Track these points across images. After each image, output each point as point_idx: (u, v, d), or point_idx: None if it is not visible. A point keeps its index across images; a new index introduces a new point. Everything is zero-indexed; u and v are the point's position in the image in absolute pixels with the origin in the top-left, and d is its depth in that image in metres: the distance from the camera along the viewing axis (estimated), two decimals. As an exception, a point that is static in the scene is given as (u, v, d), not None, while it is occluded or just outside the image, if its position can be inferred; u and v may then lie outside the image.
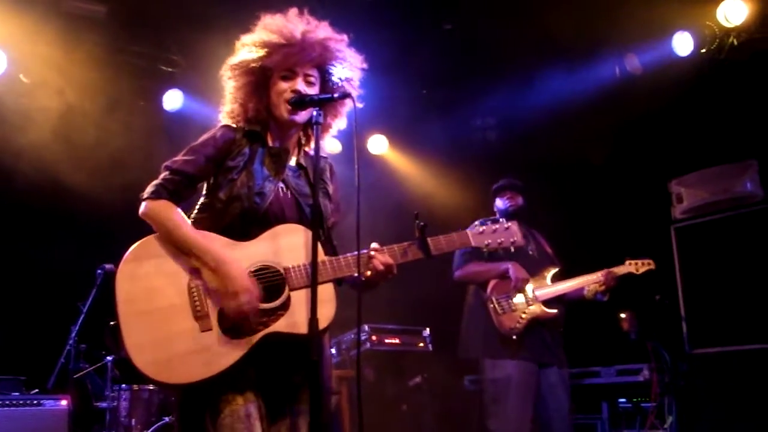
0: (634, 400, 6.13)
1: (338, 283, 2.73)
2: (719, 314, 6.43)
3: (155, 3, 6.11)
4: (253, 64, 2.79)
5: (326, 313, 2.57)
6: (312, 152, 2.86)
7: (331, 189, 2.93)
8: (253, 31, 2.84)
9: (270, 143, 2.85)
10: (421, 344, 7.02)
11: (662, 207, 6.95)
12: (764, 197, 6.42)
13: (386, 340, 6.81)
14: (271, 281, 2.61)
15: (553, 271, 4.91)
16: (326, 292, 2.62)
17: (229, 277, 2.53)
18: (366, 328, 6.37)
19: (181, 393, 2.65)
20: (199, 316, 2.54)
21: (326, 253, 2.76)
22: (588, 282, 4.87)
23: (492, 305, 4.75)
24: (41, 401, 5.13)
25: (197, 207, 2.80)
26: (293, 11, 2.84)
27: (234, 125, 2.83)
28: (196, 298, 2.55)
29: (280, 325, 2.56)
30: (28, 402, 5.08)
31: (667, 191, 6.99)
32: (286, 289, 2.60)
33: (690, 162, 6.79)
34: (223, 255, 2.57)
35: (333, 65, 2.86)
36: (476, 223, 2.93)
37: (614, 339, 6.13)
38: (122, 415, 5.71)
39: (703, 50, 6.30)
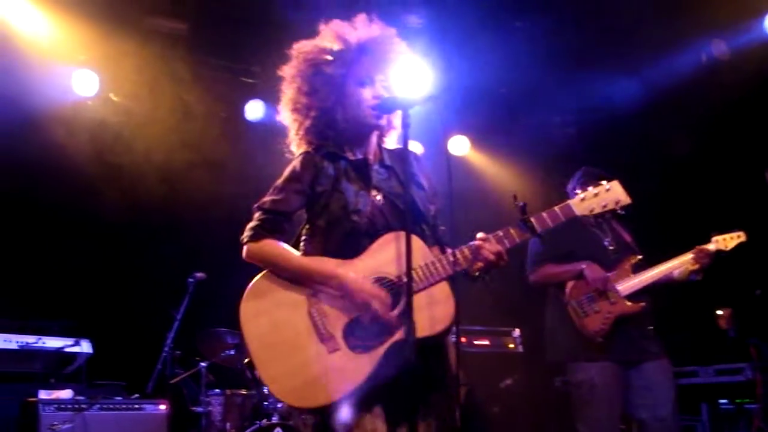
0: (737, 401, 5.86)
1: (452, 279, 2.69)
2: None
3: (233, 16, 6.28)
4: (334, 74, 2.77)
5: (445, 311, 2.60)
6: (391, 147, 2.90)
7: (423, 181, 2.90)
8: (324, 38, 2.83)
9: (349, 156, 2.84)
10: (511, 345, 6.93)
11: (760, 198, 6.63)
12: None
13: (475, 342, 6.75)
14: (390, 291, 2.62)
15: (634, 261, 4.53)
16: (441, 291, 2.63)
17: (356, 291, 2.57)
18: (454, 330, 6.32)
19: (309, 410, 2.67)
20: (325, 338, 2.59)
21: (433, 250, 2.74)
22: (675, 266, 4.50)
23: (572, 308, 4.50)
24: (142, 405, 5.32)
25: (303, 237, 2.83)
26: (361, 17, 2.84)
27: (310, 150, 2.82)
28: (319, 322, 2.61)
29: (403, 333, 2.55)
30: (130, 406, 5.27)
31: (765, 181, 6.67)
32: (403, 296, 2.58)
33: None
34: (343, 273, 2.61)
35: (398, 68, 2.86)
36: (576, 190, 2.79)
37: (712, 337, 5.88)
38: (217, 419, 5.86)
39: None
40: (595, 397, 4.38)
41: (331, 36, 2.81)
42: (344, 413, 2.55)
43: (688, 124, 6.61)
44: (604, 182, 2.81)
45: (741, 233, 4.53)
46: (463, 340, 6.63)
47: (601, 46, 6.53)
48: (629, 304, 4.42)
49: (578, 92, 7.13)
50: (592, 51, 6.61)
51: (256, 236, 2.72)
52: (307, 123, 2.83)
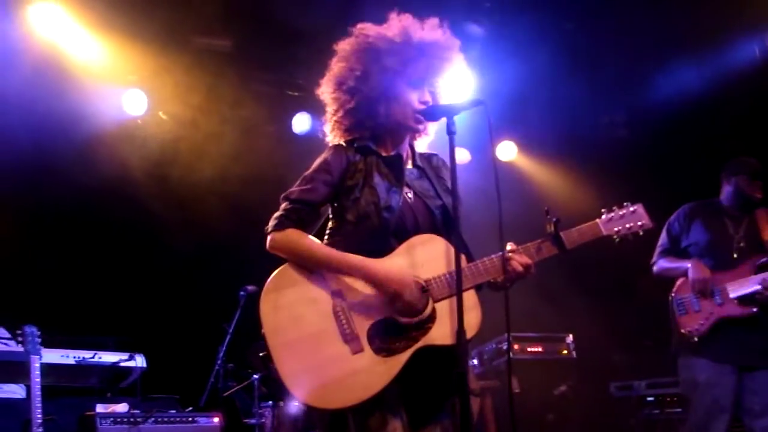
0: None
1: (478, 288, 2.66)
2: None
3: (277, 31, 6.33)
4: (391, 68, 2.71)
5: (473, 320, 2.52)
6: (422, 150, 2.89)
7: (450, 184, 2.83)
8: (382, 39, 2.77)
9: (382, 152, 2.80)
10: (565, 351, 6.82)
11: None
12: None
13: (529, 349, 6.67)
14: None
15: (760, 261, 4.25)
16: (470, 299, 2.57)
17: (387, 280, 2.51)
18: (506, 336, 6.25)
19: (330, 413, 2.62)
20: (349, 338, 2.51)
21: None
22: None
23: (674, 304, 4.39)
24: (195, 418, 5.37)
25: (327, 232, 2.77)
26: (433, 21, 2.78)
27: (343, 143, 2.78)
28: (344, 321, 2.52)
29: (430, 338, 2.51)
30: (184, 419, 5.33)
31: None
32: (430, 301, 2.55)
33: None
34: (370, 262, 2.54)
35: (449, 74, 2.83)
36: (603, 210, 2.80)
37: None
38: (269, 431, 5.88)
39: None
40: (698, 396, 4.26)
41: (396, 28, 2.75)
42: (364, 415, 2.49)
43: (741, 121, 6.44)
44: (628, 203, 2.84)
45: None
46: (516, 347, 6.55)
47: (650, 44, 6.40)
48: (738, 306, 4.22)
49: (628, 92, 7.00)
50: (642, 49, 6.49)
51: (280, 225, 2.66)
52: (349, 106, 2.76)
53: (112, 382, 5.81)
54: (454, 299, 2.42)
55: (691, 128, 6.78)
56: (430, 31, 2.76)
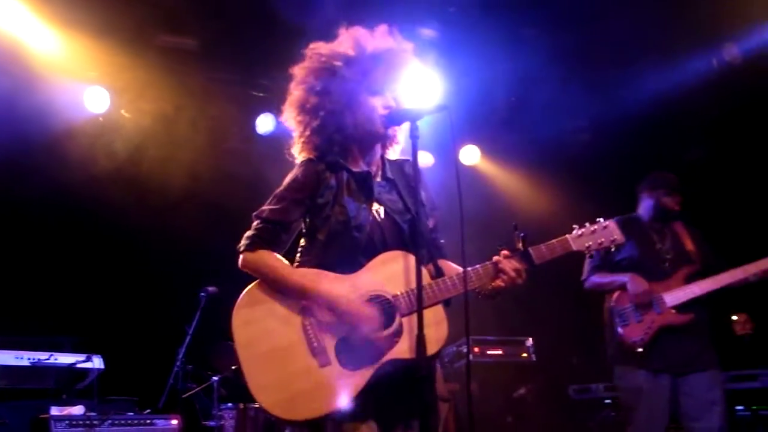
0: (753, 407, 5.80)
1: (446, 303, 2.69)
2: None
3: (242, 31, 6.30)
4: (349, 78, 2.75)
5: (438, 334, 2.58)
6: (393, 158, 2.90)
7: (423, 194, 2.85)
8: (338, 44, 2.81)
9: (353, 167, 2.81)
10: (525, 354, 6.90)
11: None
12: None
13: (488, 352, 6.73)
14: (384, 309, 2.61)
15: (689, 271, 4.51)
16: (435, 314, 2.62)
17: (345, 313, 2.56)
18: (462, 342, 6.29)
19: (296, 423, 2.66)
20: (317, 352, 2.56)
21: (431, 271, 2.74)
22: (737, 275, 4.40)
23: (615, 316, 4.53)
24: (154, 420, 5.31)
25: (299, 250, 2.81)
26: (382, 28, 2.82)
27: (313, 158, 2.79)
28: (312, 335, 2.58)
29: (395, 352, 2.56)
30: (142, 421, 5.27)
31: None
32: (397, 316, 2.59)
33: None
34: (335, 291, 2.59)
35: (409, 79, 2.85)
36: (574, 226, 2.84)
37: (728, 343, 5.79)
38: (230, 433, 5.84)
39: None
40: (641, 405, 4.40)
41: (349, 41, 2.79)
42: (335, 427, 2.54)
43: (702, 130, 6.58)
44: (601, 219, 2.86)
45: None
46: (476, 350, 6.59)
47: (612, 51, 6.50)
48: (676, 315, 4.42)
49: (591, 98, 7.10)
50: (605, 57, 6.59)
51: (252, 246, 2.70)
52: (315, 124, 2.79)
53: (68, 384, 5.71)
54: (425, 313, 2.48)
55: (653, 135, 6.90)
56: (382, 38, 2.80)
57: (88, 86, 6.44)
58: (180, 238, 6.73)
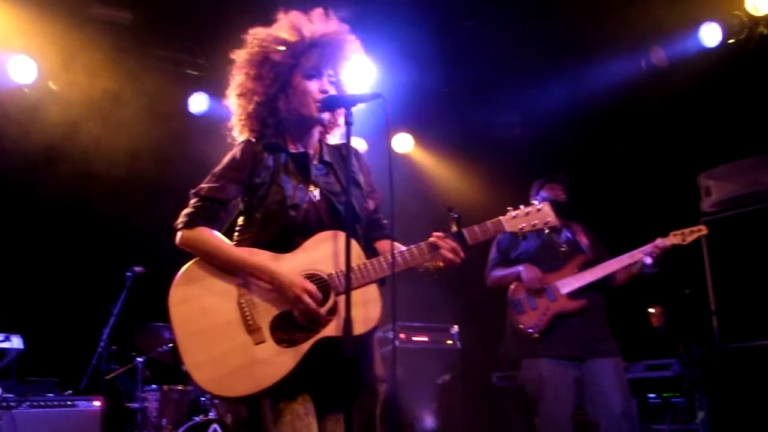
0: (664, 395, 6.08)
1: (381, 282, 2.73)
2: (750, 308, 6.34)
3: (180, 8, 6.18)
4: (282, 63, 2.77)
5: (372, 313, 2.63)
6: (332, 143, 2.93)
7: (361, 177, 2.92)
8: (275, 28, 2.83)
9: (290, 148, 2.85)
10: (450, 342, 7.02)
11: (691, 200, 6.88)
12: (794, 190, 6.33)
13: (414, 338, 6.82)
14: (320, 288, 2.63)
15: (582, 260, 4.73)
16: (370, 293, 2.66)
17: (287, 285, 2.58)
18: (389, 327, 6.36)
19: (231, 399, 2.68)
20: (252, 329, 2.59)
21: (366, 250, 2.77)
22: (623, 261, 4.64)
23: (512, 306, 4.71)
24: (75, 402, 5.22)
25: (237, 228, 2.82)
26: (318, 11, 2.84)
27: (252, 139, 2.82)
28: (248, 313, 2.61)
29: (329, 330, 2.60)
30: (63, 403, 5.18)
31: (696, 184, 6.92)
32: (332, 294, 2.63)
33: (719, 155, 6.71)
34: (274, 266, 2.62)
35: (348, 65, 2.88)
36: (509, 208, 2.92)
37: (643, 334, 6.07)
38: (153, 416, 5.78)
39: (731, 41, 6.21)
40: (545, 393, 4.54)
41: (286, 26, 2.80)
42: (272, 403, 2.57)
43: (629, 128, 6.81)
44: (536, 202, 2.92)
45: (702, 227, 4.69)
46: (402, 336, 6.68)
47: (545, 49, 6.64)
48: (569, 301, 4.60)
49: (523, 93, 7.24)
50: (537, 53, 6.72)
51: (190, 223, 2.71)
52: (250, 108, 2.82)
53: (-15, 365, 5.56)
54: (358, 292, 2.56)
55: (582, 131, 7.11)
56: (319, 22, 2.81)
57: (12, 55, 6.21)
58: (107, 217, 6.59)
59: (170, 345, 5.76)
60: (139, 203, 6.51)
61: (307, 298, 2.56)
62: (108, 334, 5.65)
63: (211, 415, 5.46)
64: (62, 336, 6.20)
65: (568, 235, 4.90)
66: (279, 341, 2.58)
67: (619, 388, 4.50)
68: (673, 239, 4.65)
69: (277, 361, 2.55)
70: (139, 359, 5.79)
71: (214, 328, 2.60)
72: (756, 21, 6.05)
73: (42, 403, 5.07)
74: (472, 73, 7.18)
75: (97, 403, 5.26)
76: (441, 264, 2.74)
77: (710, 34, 6.21)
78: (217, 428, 5.32)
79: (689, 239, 4.65)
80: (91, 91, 6.38)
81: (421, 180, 8.04)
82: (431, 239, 2.73)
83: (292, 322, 2.61)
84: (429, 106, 7.50)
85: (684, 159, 6.81)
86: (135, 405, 5.73)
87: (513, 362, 4.92)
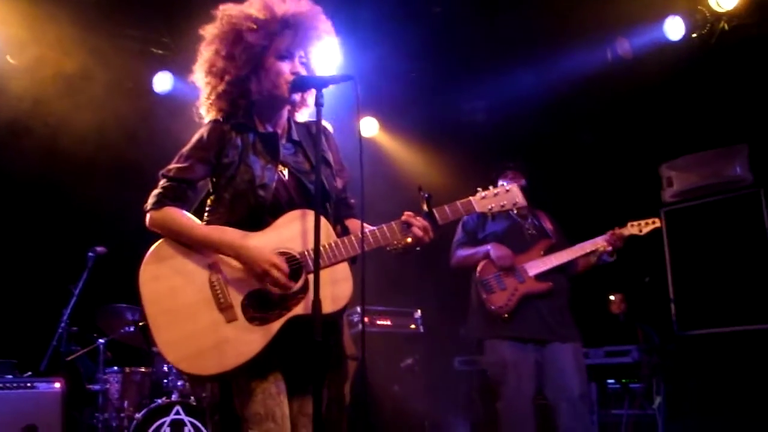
0: (623, 381, 6.20)
1: (352, 261, 2.74)
2: (708, 296, 6.51)
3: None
4: (256, 44, 2.74)
5: (343, 291, 2.65)
6: (302, 121, 2.93)
7: (330, 156, 2.92)
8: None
9: (259, 128, 2.84)
10: (413, 326, 7.07)
11: (652, 190, 7.00)
12: (753, 181, 6.49)
13: (378, 322, 6.85)
14: (291, 266, 2.63)
15: (547, 244, 4.81)
16: (341, 271, 2.67)
17: (254, 260, 2.58)
18: (357, 309, 6.39)
19: (203, 378, 2.68)
20: (223, 308, 2.60)
21: (336, 228, 2.79)
22: (586, 248, 4.76)
23: (481, 286, 4.72)
24: (35, 384, 5.14)
25: (207, 208, 2.81)
26: None
27: (220, 118, 2.80)
28: (219, 291, 2.61)
29: (300, 308, 2.60)
30: (22, 385, 5.09)
31: (658, 175, 7.04)
32: (303, 272, 2.63)
33: (680, 146, 6.84)
34: (242, 242, 2.62)
35: (318, 46, 2.86)
36: (478, 189, 2.95)
37: (603, 320, 6.18)
38: (114, 398, 5.74)
39: (695, 35, 6.32)
40: (508, 376, 4.60)
41: (258, 4, 2.77)
42: (244, 381, 2.58)
43: (592, 118, 6.90)
44: (504, 183, 2.98)
45: (656, 220, 4.83)
46: (365, 319, 6.70)
47: (513, 36, 6.67)
48: (537, 283, 4.68)
49: (489, 80, 7.27)
50: (505, 41, 6.75)
51: (158, 204, 2.70)
52: (220, 88, 2.79)
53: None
54: (328, 271, 2.58)
55: (547, 119, 7.17)
56: (293, 2, 2.79)
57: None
58: (68, 195, 6.49)
59: (132, 327, 5.71)
60: (103, 182, 6.41)
61: (275, 272, 2.56)
62: (69, 314, 5.57)
63: (174, 397, 5.43)
64: (21, 316, 6.10)
65: (533, 219, 4.98)
66: (251, 319, 2.58)
67: (578, 372, 4.60)
68: (630, 229, 4.78)
69: (248, 340, 2.55)
70: (101, 340, 5.74)
71: (186, 306, 2.60)
72: (718, 16, 6.16)
73: (0, 385, 4.99)
74: (438, 59, 7.19)
75: (57, 385, 5.18)
76: (409, 241, 2.75)
77: (674, 28, 6.30)
78: (180, 410, 5.30)
79: (645, 230, 4.79)
80: (51, 67, 6.25)
81: (385, 164, 8.04)
82: (403, 217, 2.75)
83: (264, 300, 2.61)
84: (395, 91, 7.49)
85: (646, 149, 6.93)
86: (96, 387, 5.67)
87: (476, 344, 4.94)
